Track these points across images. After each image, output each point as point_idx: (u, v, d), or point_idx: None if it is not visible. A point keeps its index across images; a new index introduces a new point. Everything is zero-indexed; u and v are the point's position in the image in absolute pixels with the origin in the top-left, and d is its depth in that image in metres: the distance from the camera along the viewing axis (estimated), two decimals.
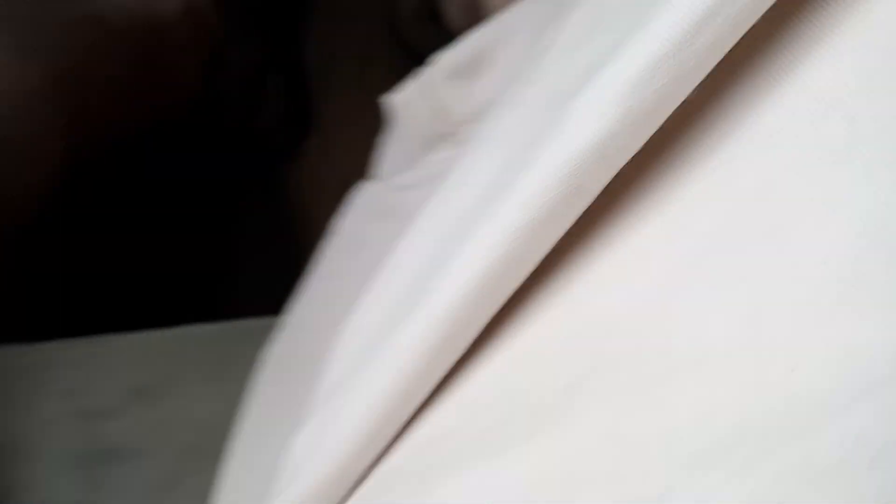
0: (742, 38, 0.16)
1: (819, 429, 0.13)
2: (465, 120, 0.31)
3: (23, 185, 0.51)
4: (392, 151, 0.35)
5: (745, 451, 0.13)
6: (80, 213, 0.57)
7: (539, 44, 0.24)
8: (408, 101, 0.34)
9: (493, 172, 0.21)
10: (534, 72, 0.23)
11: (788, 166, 0.16)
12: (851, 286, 0.14)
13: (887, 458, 0.12)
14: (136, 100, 0.57)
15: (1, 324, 0.52)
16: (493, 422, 0.18)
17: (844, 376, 0.13)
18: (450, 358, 0.19)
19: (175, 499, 0.39)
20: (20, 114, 0.49)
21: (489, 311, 0.19)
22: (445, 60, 0.33)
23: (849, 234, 0.14)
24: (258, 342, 0.35)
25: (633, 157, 0.17)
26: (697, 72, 0.16)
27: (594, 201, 0.18)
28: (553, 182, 0.17)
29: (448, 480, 0.18)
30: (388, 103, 0.35)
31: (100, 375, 0.42)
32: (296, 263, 0.39)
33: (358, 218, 0.34)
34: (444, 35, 0.41)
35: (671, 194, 0.18)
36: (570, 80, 0.19)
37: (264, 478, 0.25)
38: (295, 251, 0.65)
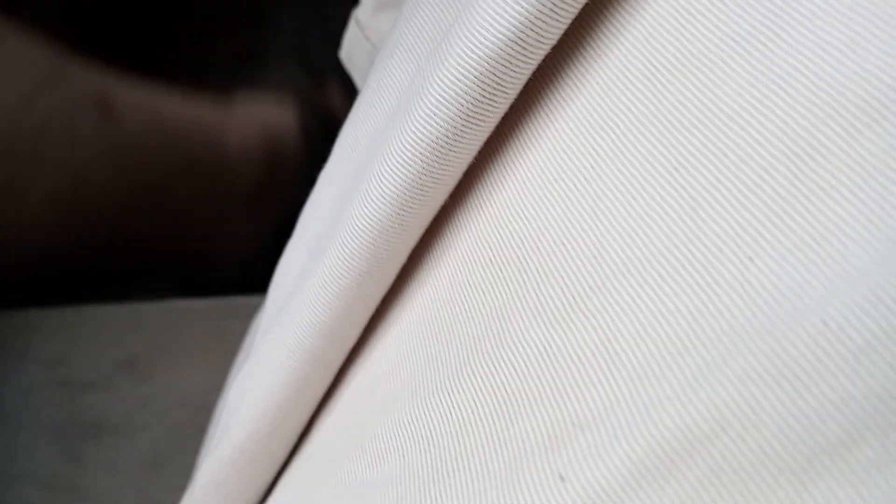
0: None
1: (790, 324, 0.11)
2: None
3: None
4: None
5: (700, 357, 0.12)
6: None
7: None
8: (350, 51, 0.31)
9: (405, 80, 0.18)
10: None
11: (718, 31, 0.13)
12: (809, 162, 0.12)
13: (874, 351, 0.11)
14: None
15: None
16: (418, 365, 0.17)
17: (817, 263, 0.12)
18: (362, 308, 0.18)
19: (164, 476, 0.38)
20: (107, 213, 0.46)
21: (407, 237, 0.17)
22: None
23: (802, 102, 0.12)
24: (248, 318, 0.33)
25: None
26: None
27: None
28: (466, 83, 0.15)
29: (379, 428, 0.17)
30: (343, 63, 0.32)
31: (85, 345, 0.40)
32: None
33: None
34: None
35: (586, 84, 0.15)
36: None
37: (214, 428, 0.24)
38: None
